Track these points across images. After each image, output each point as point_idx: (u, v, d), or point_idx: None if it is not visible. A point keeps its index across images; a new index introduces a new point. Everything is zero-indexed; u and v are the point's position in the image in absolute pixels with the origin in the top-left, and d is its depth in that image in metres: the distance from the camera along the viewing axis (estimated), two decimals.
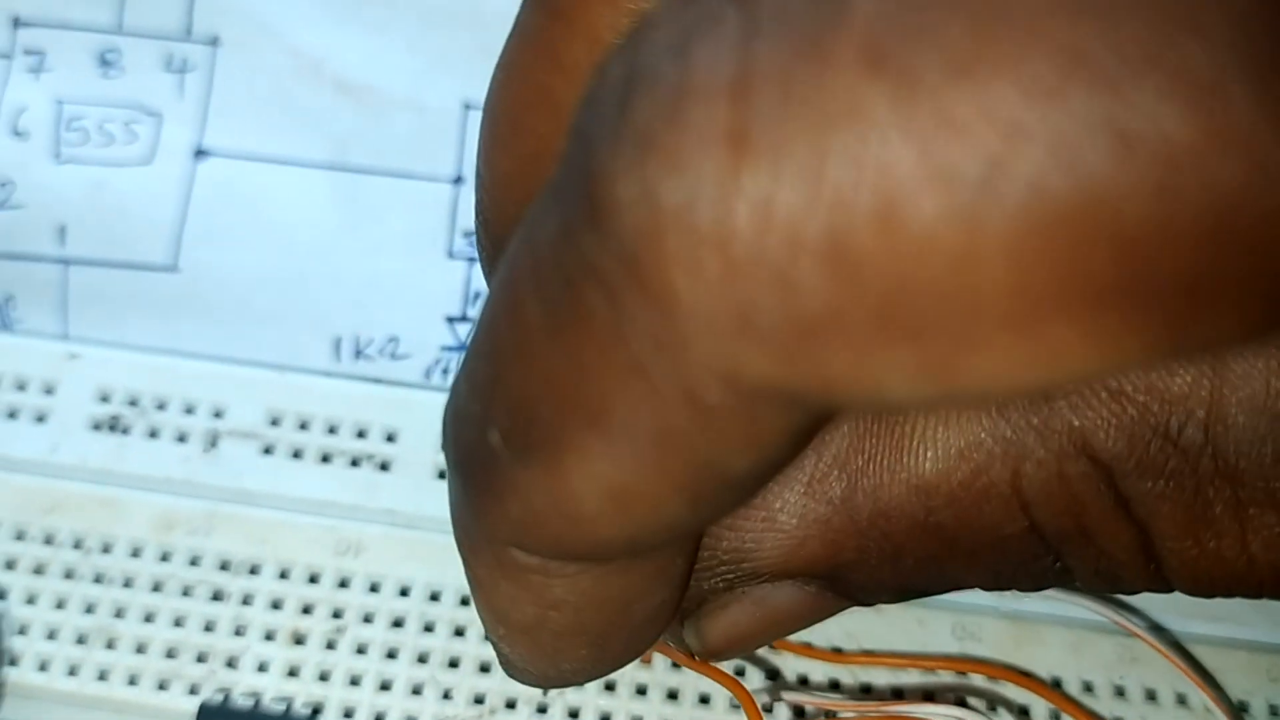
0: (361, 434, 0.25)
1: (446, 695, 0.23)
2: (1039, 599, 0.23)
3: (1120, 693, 0.23)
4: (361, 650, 0.23)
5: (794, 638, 0.22)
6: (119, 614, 0.23)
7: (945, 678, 0.23)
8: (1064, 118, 0.09)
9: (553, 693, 0.23)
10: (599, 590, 0.14)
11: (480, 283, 0.27)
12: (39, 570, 0.24)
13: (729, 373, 0.10)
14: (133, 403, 0.25)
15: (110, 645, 0.23)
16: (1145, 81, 0.09)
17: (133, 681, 0.23)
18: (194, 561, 0.24)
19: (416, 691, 0.23)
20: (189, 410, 0.25)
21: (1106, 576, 0.17)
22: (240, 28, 0.28)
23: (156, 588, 0.24)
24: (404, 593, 0.24)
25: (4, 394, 0.26)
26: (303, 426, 0.25)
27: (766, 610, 0.17)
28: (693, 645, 0.18)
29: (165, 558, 0.24)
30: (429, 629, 0.23)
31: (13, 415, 0.25)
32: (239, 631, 0.23)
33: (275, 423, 0.25)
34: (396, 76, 0.28)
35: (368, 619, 0.24)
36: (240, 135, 0.28)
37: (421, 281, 0.27)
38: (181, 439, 0.25)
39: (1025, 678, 0.23)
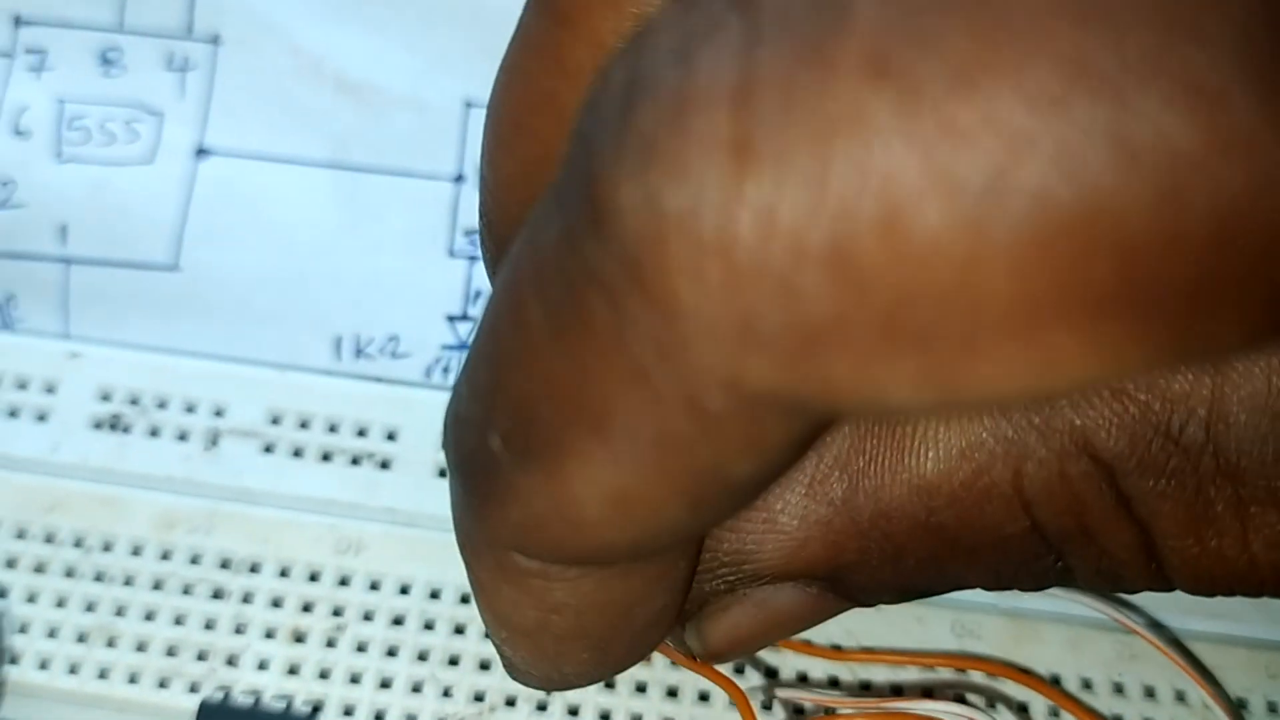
0: (362, 433, 0.25)
1: (446, 693, 0.23)
2: (1038, 596, 0.23)
3: (1119, 690, 0.23)
4: (362, 648, 0.23)
5: (793, 635, 0.22)
6: (119, 612, 0.23)
7: (944, 675, 0.23)
8: (1067, 126, 0.09)
9: None
10: (600, 594, 0.14)
11: (481, 281, 0.27)
12: (40, 569, 0.24)
13: (731, 379, 0.10)
14: (134, 401, 0.25)
15: (111, 643, 0.23)
16: (1148, 89, 0.09)
17: (133, 680, 0.23)
18: (194, 560, 0.24)
19: (417, 689, 0.23)
20: (190, 409, 0.25)
21: (1108, 576, 0.17)
22: (241, 26, 0.28)
23: (157, 586, 0.24)
24: (404, 591, 0.24)
25: (5, 393, 0.25)
26: (303, 425, 0.25)
27: (768, 612, 0.17)
28: (694, 647, 0.18)
29: (166, 556, 0.24)
30: (429, 627, 0.23)
31: (14, 414, 0.25)
32: (239, 630, 0.23)
33: (276, 421, 0.25)
34: (397, 75, 0.28)
35: (368, 617, 0.24)
36: (241, 134, 0.28)
37: (422, 280, 0.27)
38: (182, 438, 0.25)
39: (1024, 675, 0.23)
